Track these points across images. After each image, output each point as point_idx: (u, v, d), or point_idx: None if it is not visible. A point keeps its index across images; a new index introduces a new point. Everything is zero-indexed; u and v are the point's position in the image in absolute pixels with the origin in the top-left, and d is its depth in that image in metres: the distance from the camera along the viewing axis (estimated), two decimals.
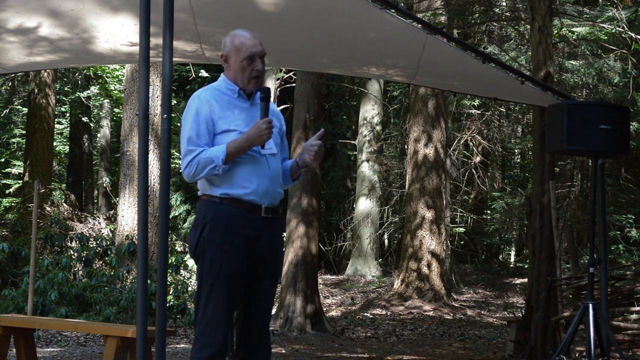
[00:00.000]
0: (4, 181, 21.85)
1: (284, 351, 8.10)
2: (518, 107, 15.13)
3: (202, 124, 3.44)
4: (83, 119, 21.15)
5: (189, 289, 10.12)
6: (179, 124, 17.88)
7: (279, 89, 15.35)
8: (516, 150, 20.68)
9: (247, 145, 3.41)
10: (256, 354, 3.53)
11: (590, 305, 5.04)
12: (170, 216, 17.05)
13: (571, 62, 12.58)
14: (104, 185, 21.04)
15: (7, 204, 19.82)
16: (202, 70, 14.88)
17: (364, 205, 16.75)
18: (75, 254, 10.45)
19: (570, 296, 7.03)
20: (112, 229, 12.62)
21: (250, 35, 3.52)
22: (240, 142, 3.40)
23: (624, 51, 11.87)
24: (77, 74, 19.07)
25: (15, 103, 21.02)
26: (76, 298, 9.28)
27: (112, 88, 18.48)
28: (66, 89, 20.25)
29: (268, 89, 3.54)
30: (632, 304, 6.59)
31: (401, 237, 15.08)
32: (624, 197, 14.47)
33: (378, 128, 17.09)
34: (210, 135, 3.44)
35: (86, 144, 22.27)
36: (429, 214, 12.73)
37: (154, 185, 10.83)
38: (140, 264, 3.18)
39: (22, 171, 17.62)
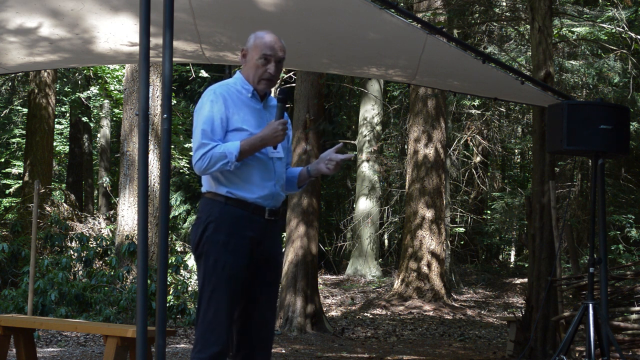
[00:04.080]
0: (4, 181, 21.85)
1: (284, 351, 8.10)
2: (518, 107, 15.13)
3: (216, 119, 3.42)
4: (83, 119, 21.15)
5: (189, 289, 10.12)
6: (179, 124, 17.89)
7: (279, 89, 15.35)
8: (516, 150, 20.69)
9: (260, 145, 3.41)
10: (255, 356, 3.53)
11: (590, 305, 5.04)
12: (170, 216, 17.06)
13: (571, 62, 12.58)
14: (104, 185, 21.04)
15: (7, 204, 19.82)
16: (202, 70, 14.88)
17: (364, 205, 16.75)
18: (75, 254, 10.45)
19: (570, 296, 7.04)
20: (112, 229, 12.62)
21: (273, 38, 3.50)
22: (254, 141, 3.40)
23: (624, 51, 11.87)
24: (77, 74, 19.07)
25: (15, 103, 21.02)
26: (76, 298, 9.28)
27: (112, 88, 18.48)
28: (66, 89, 20.26)
29: (287, 91, 3.53)
30: (632, 304, 6.59)
31: (401, 237, 15.08)
32: (624, 197, 14.47)
33: (378, 128, 17.09)
34: (223, 131, 3.43)
35: (86, 144, 22.26)
36: (429, 214, 12.73)
37: (154, 185, 10.83)
38: (140, 264, 3.18)
39: (22, 171, 17.62)
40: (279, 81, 15.02)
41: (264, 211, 3.46)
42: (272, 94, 3.74)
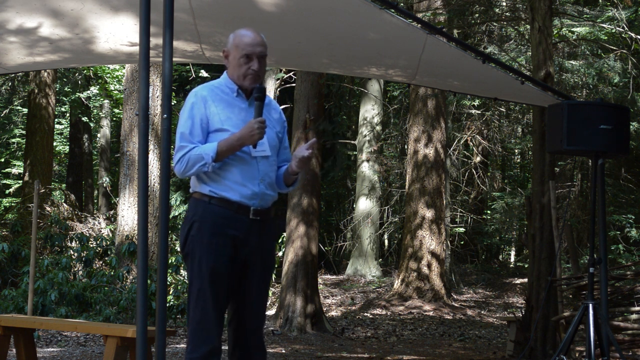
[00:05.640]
0: (4, 181, 21.85)
1: (284, 351, 8.10)
2: (518, 107, 15.13)
3: (196, 121, 3.44)
4: (83, 119, 21.15)
5: None
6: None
7: (279, 89, 15.35)
8: (516, 150, 20.68)
9: (238, 144, 3.40)
10: (251, 354, 3.53)
11: (590, 305, 5.04)
12: (170, 216, 17.05)
13: (571, 62, 12.58)
14: (104, 185, 21.05)
15: (7, 204, 19.82)
16: (202, 70, 14.88)
17: (364, 205, 16.75)
18: (75, 254, 10.45)
19: (570, 296, 7.03)
20: (112, 229, 12.62)
21: (253, 35, 3.52)
22: (231, 140, 3.39)
23: (624, 51, 11.87)
24: (77, 74, 19.07)
25: (15, 103, 21.02)
26: (76, 298, 9.28)
27: (112, 88, 18.47)
28: (66, 89, 20.26)
29: (263, 88, 3.52)
30: (632, 304, 6.59)
31: (401, 237, 15.09)
32: (624, 197, 14.47)
33: (378, 128, 17.09)
34: (204, 133, 3.45)
35: (86, 144, 22.27)
36: (429, 214, 12.73)
37: (154, 185, 10.83)
38: (140, 264, 3.18)
39: (22, 171, 17.62)
40: (278, 81, 15.02)
41: (248, 210, 3.44)
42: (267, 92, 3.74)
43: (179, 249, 13.55)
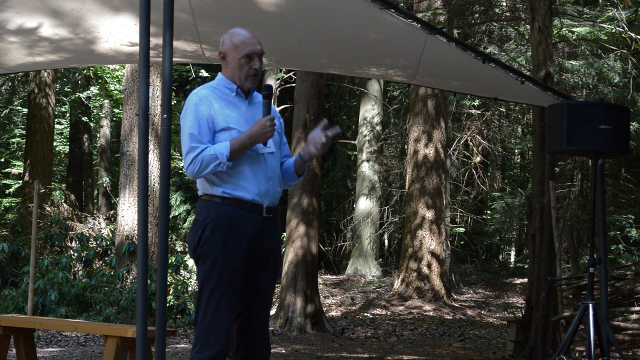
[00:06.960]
0: (4, 181, 21.86)
1: (284, 351, 8.10)
2: (518, 107, 15.13)
3: (202, 122, 3.44)
4: (83, 119, 21.16)
5: (189, 289, 10.12)
6: (179, 124, 17.86)
7: (279, 89, 15.35)
8: (516, 150, 20.68)
9: (250, 143, 3.42)
10: (256, 353, 3.54)
11: (590, 305, 5.04)
12: (170, 216, 17.05)
13: (571, 62, 12.58)
14: (104, 185, 21.05)
15: (7, 204, 19.82)
16: (202, 70, 14.89)
17: (364, 205, 16.75)
18: (75, 254, 10.45)
19: (570, 296, 7.03)
20: (112, 229, 12.63)
21: (249, 34, 3.54)
22: (243, 139, 3.41)
23: (624, 51, 11.87)
24: (77, 74, 19.07)
25: (15, 103, 21.02)
26: (76, 298, 9.28)
27: (112, 88, 18.48)
28: (66, 89, 20.26)
29: (270, 87, 3.55)
30: (632, 304, 6.59)
31: (401, 237, 15.08)
32: (624, 197, 14.47)
33: (378, 128, 17.09)
34: (211, 132, 3.45)
35: (86, 144, 22.27)
36: (429, 214, 12.73)
37: (154, 185, 10.83)
38: (140, 264, 3.18)
39: (22, 171, 17.63)
40: (278, 81, 15.02)
41: (261, 209, 3.46)
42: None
43: (179, 249, 13.58)
